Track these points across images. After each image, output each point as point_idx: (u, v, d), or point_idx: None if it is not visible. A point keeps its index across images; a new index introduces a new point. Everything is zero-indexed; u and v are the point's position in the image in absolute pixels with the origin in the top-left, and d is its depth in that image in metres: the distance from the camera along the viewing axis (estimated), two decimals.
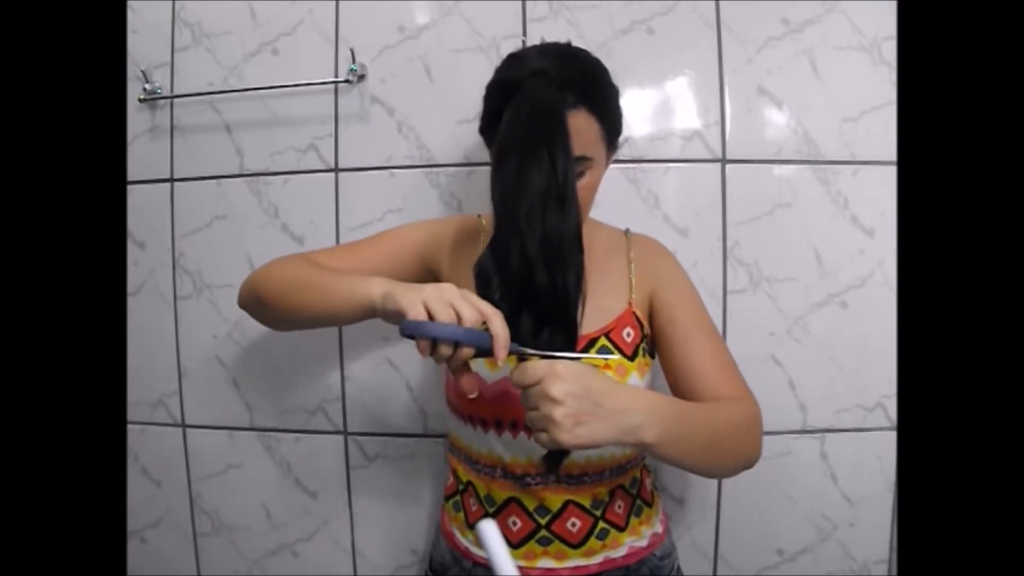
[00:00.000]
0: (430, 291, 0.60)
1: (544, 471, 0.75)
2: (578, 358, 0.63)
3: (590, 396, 0.59)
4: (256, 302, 0.77)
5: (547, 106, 0.66)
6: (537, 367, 0.60)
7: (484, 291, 0.65)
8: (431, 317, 0.59)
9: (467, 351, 0.60)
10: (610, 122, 0.73)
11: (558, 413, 0.57)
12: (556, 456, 0.69)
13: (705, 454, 0.68)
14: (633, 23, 1.05)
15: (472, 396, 0.66)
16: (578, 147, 0.67)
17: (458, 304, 0.59)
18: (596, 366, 0.69)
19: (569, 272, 0.65)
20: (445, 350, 0.60)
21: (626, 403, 0.61)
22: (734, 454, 0.71)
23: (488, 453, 0.79)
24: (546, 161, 0.63)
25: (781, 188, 1.05)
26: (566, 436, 0.58)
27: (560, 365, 0.60)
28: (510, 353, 0.61)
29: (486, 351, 0.61)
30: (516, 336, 0.62)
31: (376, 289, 0.64)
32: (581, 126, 0.69)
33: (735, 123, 1.05)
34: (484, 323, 0.60)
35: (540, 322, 0.65)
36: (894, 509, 1.07)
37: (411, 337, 0.60)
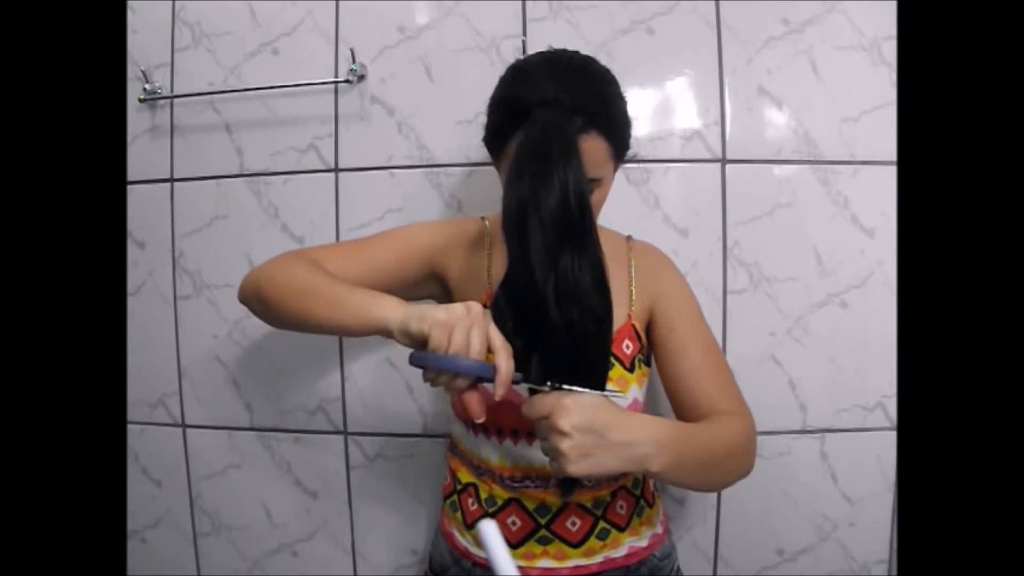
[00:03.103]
0: (460, 314, 0.60)
1: (559, 496, 0.76)
2: (583, 391, 0.63)
3: (596, 429, 0.60)
4: (258, 301, 0.75)
5: (559, 140, 0.64)
6: (545, 400, 0.62)
7: (499, 327, 0.65)
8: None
9: (463, 381, 0.62)
10: (619, 139, 0.72)
11: (565, 445, 0.59)
12: (568, 484, 0.71)
13: (704, 475, 0.71)
14: (633, 23, 1.05)
15: (479, 420, 0.66)
16: (588, 169, 0.66)
17: (473, 334, 0.59)
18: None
19: (589, 318, 0.64)
20: (445, 378, 0.61)
21: (632, 435, 0.62)
22: (730, 473, 0.74)
23: (488, 459, 0.79)
24: (559, 201, 0.62)
25: (781, 188, 1.05)
26: (573, 467, 0.60)
27: (568, 398, 0.61)
28: (515, 383, 0.62)
29: (490, 381, 0.62)
30: (529, 374, 0.64)
31: (391, 313, 0.63)
32: (591, 148, 0.68)
33: (735, 123, 1.05)
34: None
35: (551, 369, 0.65)
36: (894, 509, 1.07)
37: (419, 367, 0.62)
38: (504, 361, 0.60)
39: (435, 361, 0.60)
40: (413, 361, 0.62)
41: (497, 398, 0.61)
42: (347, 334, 0.75)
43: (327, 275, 0.72)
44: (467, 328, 0.59)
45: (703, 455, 0.68)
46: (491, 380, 0.61)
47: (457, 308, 0.61)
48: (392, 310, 0.63)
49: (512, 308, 0.66)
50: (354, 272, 0.77)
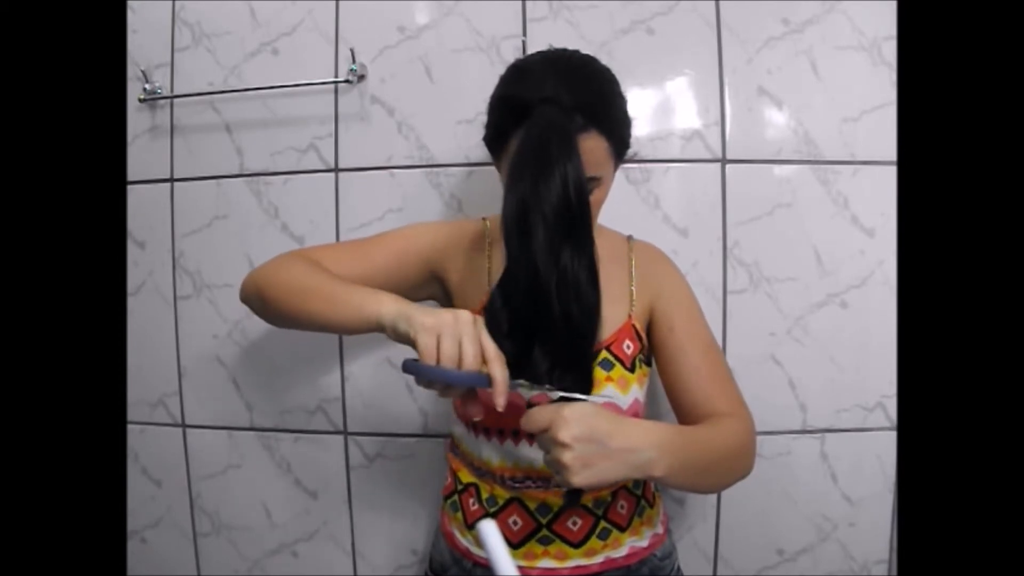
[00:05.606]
0: (447, 322, 0.60)
1: (567, 505, 0.77)
2: (579, 398, 0.64)
3: (596, 438, 0.60)
4: (259, 300, 0.76)
5: (559, 138, 0.64)
6: (543, 413, 0.62)
7: (493, 328, 0.65)
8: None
9: (457, 390, 0.63)
10: (619, 138, 0.72)
11: (567, 457, 0.59)
12: (574, 494, 0.71)
13: (705, 478, 0.71)
14: (633, 23, 1.05)
15: (477, 419, 0.66)
16: (588, 168, 0.66)
17: (464, 343, 0.59)
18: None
19: (584, 312, 0.64)
20: (439, 386, 0.62)
21: (633, 441, 0.62)
22: (730, 474, 0.74)
23: (489, 460, 0.79)
24: (560, 197, 0.63)
25: (781, 188, 1.05)
26: (576, 478, 0.60)
27: (566, 409, 0.61)
28: (511, 389, 0.62)
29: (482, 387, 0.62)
30: (525, 374, 0.64)
31: (387, 308, 0.63)
32: (591, 147, 0.68)
33: (735, 123, 1.05)
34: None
35: (552, 362, 0.65)
36: (894, 509, 1.07)
37: (412, 374, 0.62)
38: (499, 371, 0.60)
39: (427, 372, 0.60)
40: (406, 369, 0.62)
41: (500, 408, 0.61)
42: (344, 331, 0.75)
43: (325, 273, 0.73)
44: (456, 336, 0.59)
45: (704, 457, 0.68)
46: (484, 387, 0.61)
47: (444, 315, 0.60)
48: (387, 306, 0.63)
49: (509, 306, 0.66)
50: (353, 272, 0.77)
